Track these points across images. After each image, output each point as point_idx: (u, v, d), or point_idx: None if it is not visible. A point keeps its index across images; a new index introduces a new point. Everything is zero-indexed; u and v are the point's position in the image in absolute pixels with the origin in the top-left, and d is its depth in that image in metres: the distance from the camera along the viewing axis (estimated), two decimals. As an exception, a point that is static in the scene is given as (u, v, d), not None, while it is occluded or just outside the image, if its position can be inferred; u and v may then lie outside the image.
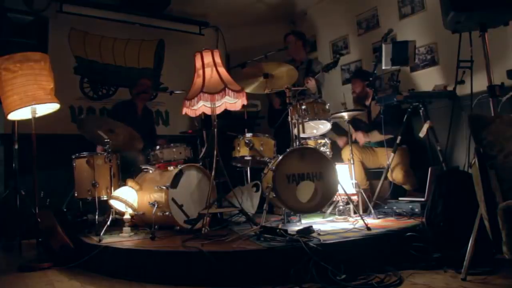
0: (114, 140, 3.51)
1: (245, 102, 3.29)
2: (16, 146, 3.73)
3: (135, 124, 3.83)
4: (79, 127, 3.68)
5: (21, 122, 3.42)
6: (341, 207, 3.56)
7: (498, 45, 3.48)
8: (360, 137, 4.20)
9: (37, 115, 3.18)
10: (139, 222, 3.62)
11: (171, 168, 3.59)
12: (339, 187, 3.29)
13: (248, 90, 3.64)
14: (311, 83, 4.25)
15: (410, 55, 3.65)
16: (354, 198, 3.59)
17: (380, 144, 4.05)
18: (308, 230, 2.78)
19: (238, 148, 3.71)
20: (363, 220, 3.04)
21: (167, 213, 3.33)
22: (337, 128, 4.39)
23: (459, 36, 3.02)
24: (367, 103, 4.33)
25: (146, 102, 4.86)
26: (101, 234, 3.10)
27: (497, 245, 1.91)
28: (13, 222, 3.66)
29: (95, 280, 2.69)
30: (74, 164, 3.72)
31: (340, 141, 4.43)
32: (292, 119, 3.48)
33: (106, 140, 3.44)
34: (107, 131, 3.46)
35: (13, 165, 3.73)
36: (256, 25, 6.14)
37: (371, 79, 4.04)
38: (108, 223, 3.25)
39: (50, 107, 3.27)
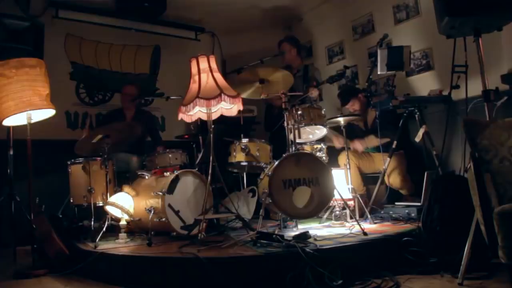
0: (114, 139, 3.51)
1: (241, 108, 3.29)
2: (11, 152, 3.71)
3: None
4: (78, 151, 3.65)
5: (16, 128, 3.40)
6: (337, 212, 3.56)
7: (492, 50, 3.50)
8: (357, 145, 4.17)
9: (32, 121, 3.17)
10: (135, 228, 3.60)
11: (168, 173, 3.57)
12: (335, 192, 3.29)
13: (244, 95, 3.64)
14: (315, 94, 4.28)
15: (405, 60, 3.67)
16: (351, 203, 3.59)
17: (376, 149, 4.06)
18: (304, 236, 2.78)
19: (234, 153, 3.71)
20: (359, 225, 3.05)
21: (163, 219, 3.31)
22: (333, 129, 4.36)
23: (454, 41, 3.04)
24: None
25: (135, 108, 4.78)
26: (97, 240, 3.08)
27: (493, 249, 1.92)
28: (8, 228, 3.63)
29: (91, 286, 2.68)
30: (70, 170, 3.71)
31: (336, 140, 4.30)
32: (288, 124, 3.49)
33: (102, 147, 3.43)
34: (102, 138, 3.46)
35: (8, 171, 3.71)
36: (252, 30, 6.17)
37: (368, 94, 4.06)
38: (104, 229, 3.23)
39: (45, 113, 3.26)
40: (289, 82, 3.69)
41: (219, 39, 6.33)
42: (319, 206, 3.25)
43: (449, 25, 2.68)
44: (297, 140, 3.49)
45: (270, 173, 3.21)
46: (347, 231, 3.10)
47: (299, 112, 3.48)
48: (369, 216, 3.53)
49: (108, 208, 3.33)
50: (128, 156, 4.24)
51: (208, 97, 3.05)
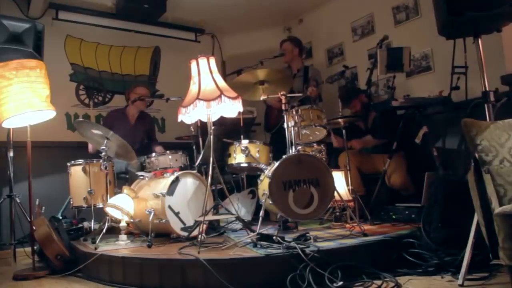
0: (109, 146, 3.50)
1: (241, 109, 3.29)
2: (12, 154, 3.72)
3: (127, 133, 3.80)
4: (76, 128, 3.65)
5: (17, 130, 3.40)
6: (337, 213, 3.55)
7: (492, 51, 3.49)
8: (355, 144, 4.18)
9: (32, 123, 3.17)
10: (135, 230, 3.60)
11: (168, 175, 3.57)
12: (335, 193, 3.29)
13: (244, 97, 3.64)
14: (313, 93, 4.27)
15: (405, 61, 3.66)
16: (351, 204, 3.59)
17: (377, 149, 4.06)
18: (304, 237, 2.78)
19: (234, 155, 3.71)
20: (359, 226, 3.04)
21: (163, 220, 3.31)
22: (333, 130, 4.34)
23: (454, 42, 3.04)
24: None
25: (141, 109, 4.80)
26: (97, 241, 3.08)
27: (493, 250, 1.92)
28: (8, 230, 3.64)
29: (91, 288, 2.68)
30: (70, 171, 3.71)
31: (335, 140, 4.26)
32: (288, 125, 3.49)
33: (102, 148, 3.43)
34: (102, 136, 3.46)
35: (8, 173, 3.71)
36: (252, 32, 6.17)
37: (366, 93, 4.05)
38: (104, 230, 3.23)
39: (45, 115, 3.26)
40: (288, 83, 3.69)
41: (219, 40, 6.34)
42: (319, 207, 3.25)
43: (449, 26, 2.68)
44: (297, 141, 3.49)
45: (270, 174, 3.21)
46: (347, 232, 3.09)
47: (299, 113, 3.47)
48: (369, 217, 3.53)
49: (108, 209, 3.33)
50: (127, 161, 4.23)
51: (208, 98, 3.05)
